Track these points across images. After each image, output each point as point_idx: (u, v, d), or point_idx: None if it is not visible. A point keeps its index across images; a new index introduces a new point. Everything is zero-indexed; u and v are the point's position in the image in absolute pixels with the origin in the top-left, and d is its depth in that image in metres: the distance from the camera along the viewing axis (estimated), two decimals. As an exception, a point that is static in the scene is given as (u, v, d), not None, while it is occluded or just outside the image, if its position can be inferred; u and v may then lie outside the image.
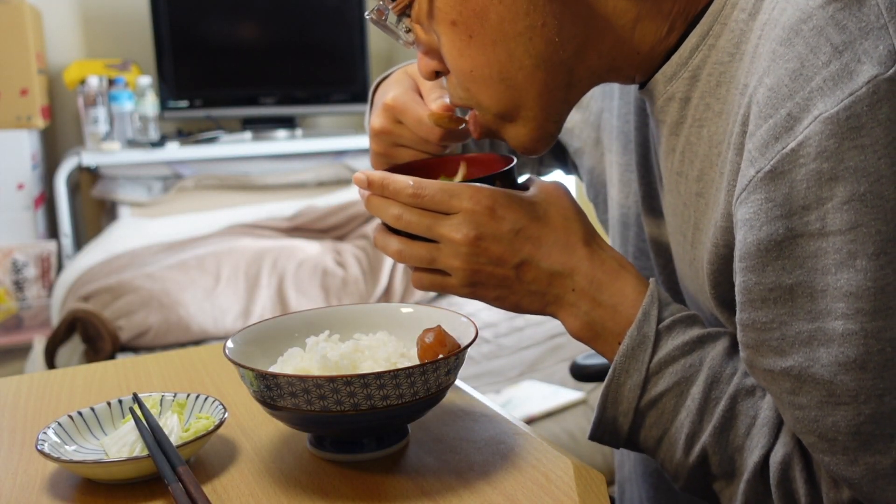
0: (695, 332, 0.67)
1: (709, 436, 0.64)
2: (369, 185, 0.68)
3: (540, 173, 1.07)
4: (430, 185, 0.67)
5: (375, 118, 0.81)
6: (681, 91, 0.66)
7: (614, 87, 0.85)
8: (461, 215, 0.66)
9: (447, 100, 0.77)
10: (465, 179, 0.70)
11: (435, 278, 0.69)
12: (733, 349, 0.67)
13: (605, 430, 0.68)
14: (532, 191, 0.71)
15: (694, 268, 0.70)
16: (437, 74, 0.71)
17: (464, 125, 0.75)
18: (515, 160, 0.74)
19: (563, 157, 1.03)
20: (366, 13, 0.71)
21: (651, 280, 0.69)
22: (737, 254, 0.59)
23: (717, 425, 0.64)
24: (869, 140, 0.52)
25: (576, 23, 0.63)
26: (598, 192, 0.92)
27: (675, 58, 0.66)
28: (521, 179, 0.75)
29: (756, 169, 0.55)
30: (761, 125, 0.55)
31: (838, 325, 0.54)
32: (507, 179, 0.72)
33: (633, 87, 0.81)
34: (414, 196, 0.67)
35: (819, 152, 0.52)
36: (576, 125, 0.94)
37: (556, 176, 1.11)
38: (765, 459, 0.63)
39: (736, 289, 0.60)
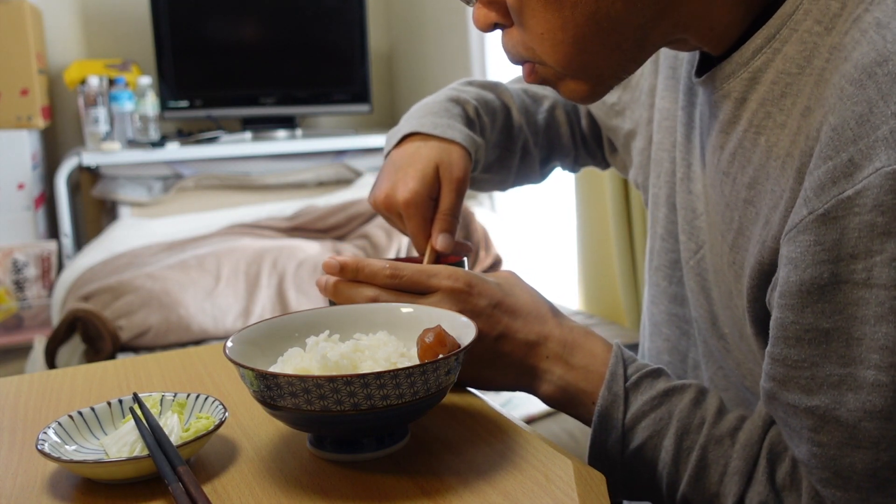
0: (661, 385, 0.69)
1: (685, 484, 0.67)
2: (342, 270, 0.71)
3: (573, 170, 1.09)
4: (407, 267, 0.70)
5: (386, 198, 0.84)
6: (737, 90, 0.65)
7: (659, 65, 0.85)
8: (440, 293, 0.69)
9: (447, 241, 0.81)
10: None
11: None
12: (699, 398, 0.69)
13: None
14: (492, 275, 0.75)
15: (734, 271, 0.69)
16: (495, 27, 0.69)
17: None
18: (466, 258, 0.81)
19: (600, 153, 1.04)
20: None
21: (615, 342, 0.72)
22: (778, 290, 0.59)
23: (691, 474, 0.67)
24: None
25: None
26: (646, 174, 0.91)
27: (735, 56, 0.65)
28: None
29: (809, 210, 0.55)
30: (820, 165, 0.54)
31: (870, 374, 0.54)
32: (463, 267, 0.78)
33: (681, 66, 0.80)
34: (392, 277, 0.70)
35: (876, 205, 0.52)
36: (626, 106, 0.93)
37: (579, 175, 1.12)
38: None
39: (771, 322, 0.60)
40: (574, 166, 1.06)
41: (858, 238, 0.53)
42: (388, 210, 0.84)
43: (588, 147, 1.03)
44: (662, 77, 0.83)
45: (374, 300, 0.70)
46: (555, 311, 0.74)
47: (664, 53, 0.84)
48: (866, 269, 0.53)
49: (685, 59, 0.80)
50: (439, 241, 0.82)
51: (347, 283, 0.71)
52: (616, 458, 0.69)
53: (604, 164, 1.06)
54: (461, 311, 0.69)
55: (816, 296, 0.55)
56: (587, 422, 0.71)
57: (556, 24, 0.63)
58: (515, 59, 0.70)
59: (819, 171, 0.55)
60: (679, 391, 0.69)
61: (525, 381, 0.73)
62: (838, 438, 0.57)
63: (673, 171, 0.81)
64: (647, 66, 0.88)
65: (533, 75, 0.70)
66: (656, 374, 0.71)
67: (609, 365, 0.70)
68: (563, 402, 0.72)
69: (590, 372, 0.71)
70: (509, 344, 0.71)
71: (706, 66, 0.71)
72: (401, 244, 2.58)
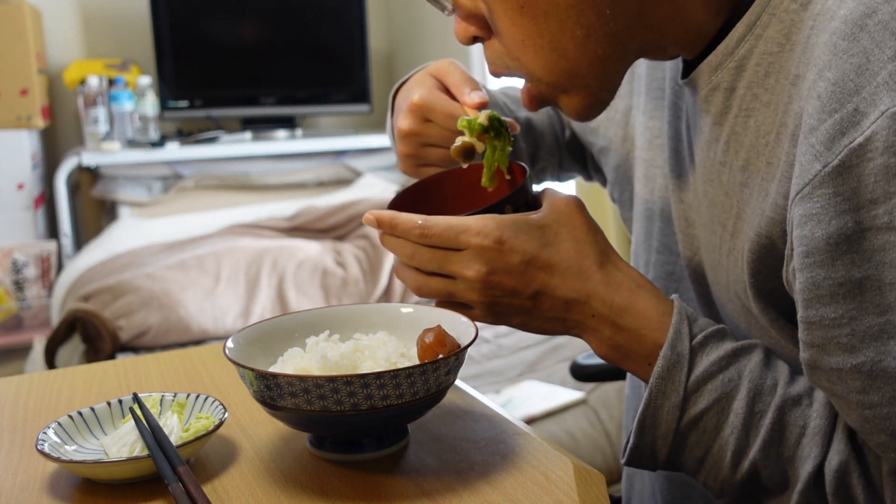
0: (728, 345, 0.66)
1: (758, 450, 0.63)
2: (379, 225, 0.69)
3: (559, 178, 1.07)
4: (437, 223, 0.67)
5: (402, 120, 0.80)
6: (726, 81, 0.66)
7: (641, 85, 0.85)
8: (470, 251, 0.66)
9: (481, 95, 0.77)
10: (474, 210, 0.70)
11: (457, 310, 0.70)
12: (768, 360, 0.66)
13: (642, 456, 0.67)
14: (544, 210, 0.70)
15: (733, 258, 0.69)
16: (475, 40, 0.70)
17: (477, 154, 0.75)
18: (528, 173, 0.73)
19: (583, 162, 1.03)
20: None
21: (674, 297, 0.69)
22: (801, 250, 0.58)
23: (765, 438, 0.63)
24: None
25: None
26: (623, 189, 0.92)
27: (720, 48, 0.66)
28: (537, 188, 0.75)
29: (822, 164, 0.55)
30: (825, 120, 0.55)
31: None
32: (519, 198, 0.71)
33: (664, 83, 0.81)
34: (422, 236, 0.67)
35: (887, 147, 0.53)
36: (601, 124, 0.94)
37: (572, 185, 1.11)
38: (819, 469, 0.62)
39: (799, 286, 0.59)
40: (560, 171, 1.05)
41: (875, 183, 0.54)
42: (412, 129, 0.79)
43: (573, 154, 1.03)
44: (650, 98, 0.84)
45: (412, 257, 0.68)
46: (602, 261, 0.68)
47: (647, 76, 0.84)
48: (887, 213, 0.54)
49: (668, 77, 0.80)
50: (470, 97, 0.77)
51: (389, 236, 0.69)
52: (670, 424, 0.65)
53: (587, 175, 1.05)
54: (492, 270, 0.66)
55: (845, 246, 0.55)
56: (643, 379, 0.68)
57: (534, 31, 0.64)
58: (498, 72, 0.70)
59: (825, 125, 0.55)
60: (747, 351, 0.66)
61: (575, 332, 0.70)
62: (889, 393, 0.56)
63: (666, 186, 0.81)
64: (623, 86, 0.88)
65: (531, 99, 0.70)
66: (721, 334, 0.67)
67: (672, 323, 0.66)
68: (617, 359, 0.69)
69: (641, 336, 0.67)
70: (548, 301, 0.68)
71: (690, 71, 0.71)
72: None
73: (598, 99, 0.69)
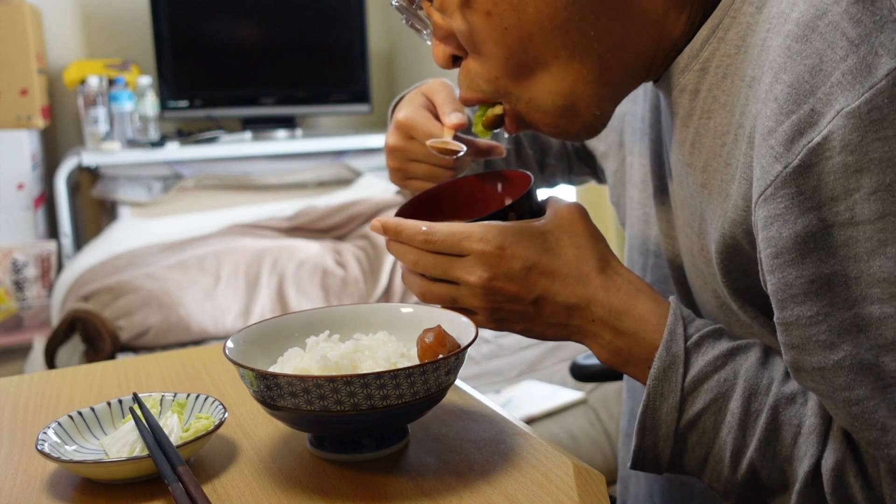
0: (724, 345, 0.66)
1: (754, 450, 0.63)
2: (385, 231, 0.70)
3: (571, 181, 1.08)
4: (441, 230, 0.68)
5: (389, 136, 0.84)
6: (691, 83, 0.67)
7: (638, 91, 0.86)
8: (473, 257, 0.67)
9: (459, 117, 0.79)
10: (479, 216, 0.70)
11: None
12: (765, 358, 0.66)
13: (645, 458, 0.68)
14: (546, 217, 0.71)
15: (704, 257, 0.70)
16: (454, 59, 0.70)
17: (458, 154, 0.77)
18: (533, 181, 0.74)
19: (593, 165, 1.04)
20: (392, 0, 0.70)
21: (671, 298, 0.69)
22: (769, 252, 0.58)
23: (761, 438, 0.63)
24: (892, 131, 0.53)
25: (612, 17, 0.64)
26: (619, 194, 0.93)
27: (687, 50, 0.67)
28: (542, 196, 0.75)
29: (783, 165, 0.56)
30: (783, 121, 0.56)
31: (874, 309, 0.55)
32: (523, 205, 0.72)
33: (650, 85, 0.81)
34: (426, 242, 0.68)
35: (843, 146, 0.54)
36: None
37: (573, 191, 1.12)
38: (815, 468, 0.62)
39: (772, 288, 0.59)
40: (571, 175, 1.06)
41: (835, 181, 0.55)
42: (397, 145, 0.82)
43: (582, 158, 1.04)
44: (644, 104, 0.84)
45: (416, 263, 0.69)
46: (601, 266, 0.69)
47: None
48: (848, 209, 0.55)
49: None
50: (449, 118, 0.79)
51: (395, 242, 0.70)
52: (670, 426, 0.65)
53: (598, 178, 1.07)
54: (494, 276, 0.67)
55: (812, 244, 0.56)
56: (644, 383, 0.68)
57: (517, 50, 0.65)
58: (470, 97, 0.70)
59: (783, 126, 0.56)
60: (744, 350, 0.66)
61: (576, 338, 0.71)
62: (871, 385, 0.56)
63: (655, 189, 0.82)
64: None
65: (514, 121, 0.71)
66: (718, 333, 0.67)
67: (667, 324, 0.66)
68: (619, 363, 0.70)
69: (641, 339, 0.67)
70: (549, 306, 0.68)
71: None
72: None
73: (581, 118, 0.69)
